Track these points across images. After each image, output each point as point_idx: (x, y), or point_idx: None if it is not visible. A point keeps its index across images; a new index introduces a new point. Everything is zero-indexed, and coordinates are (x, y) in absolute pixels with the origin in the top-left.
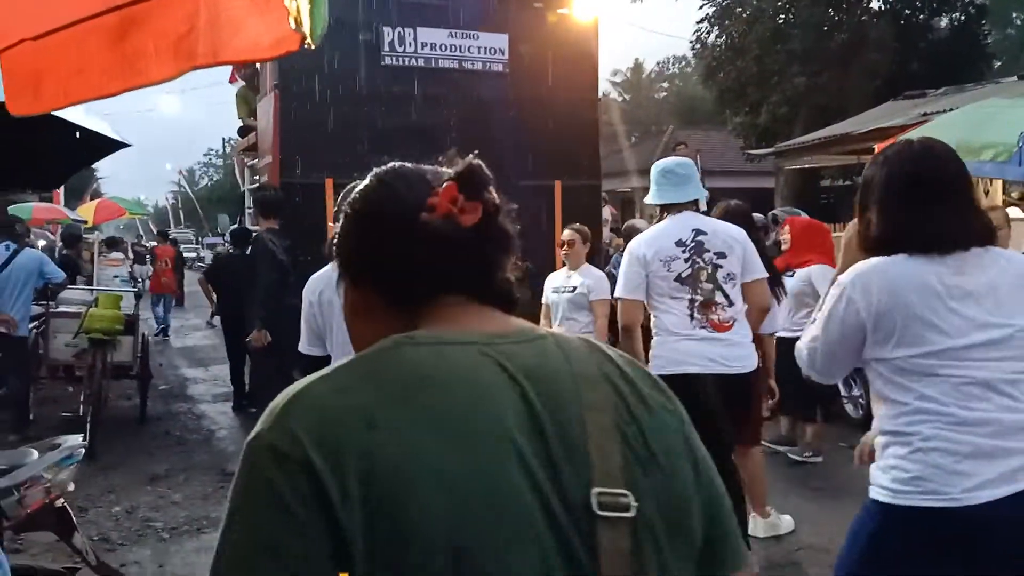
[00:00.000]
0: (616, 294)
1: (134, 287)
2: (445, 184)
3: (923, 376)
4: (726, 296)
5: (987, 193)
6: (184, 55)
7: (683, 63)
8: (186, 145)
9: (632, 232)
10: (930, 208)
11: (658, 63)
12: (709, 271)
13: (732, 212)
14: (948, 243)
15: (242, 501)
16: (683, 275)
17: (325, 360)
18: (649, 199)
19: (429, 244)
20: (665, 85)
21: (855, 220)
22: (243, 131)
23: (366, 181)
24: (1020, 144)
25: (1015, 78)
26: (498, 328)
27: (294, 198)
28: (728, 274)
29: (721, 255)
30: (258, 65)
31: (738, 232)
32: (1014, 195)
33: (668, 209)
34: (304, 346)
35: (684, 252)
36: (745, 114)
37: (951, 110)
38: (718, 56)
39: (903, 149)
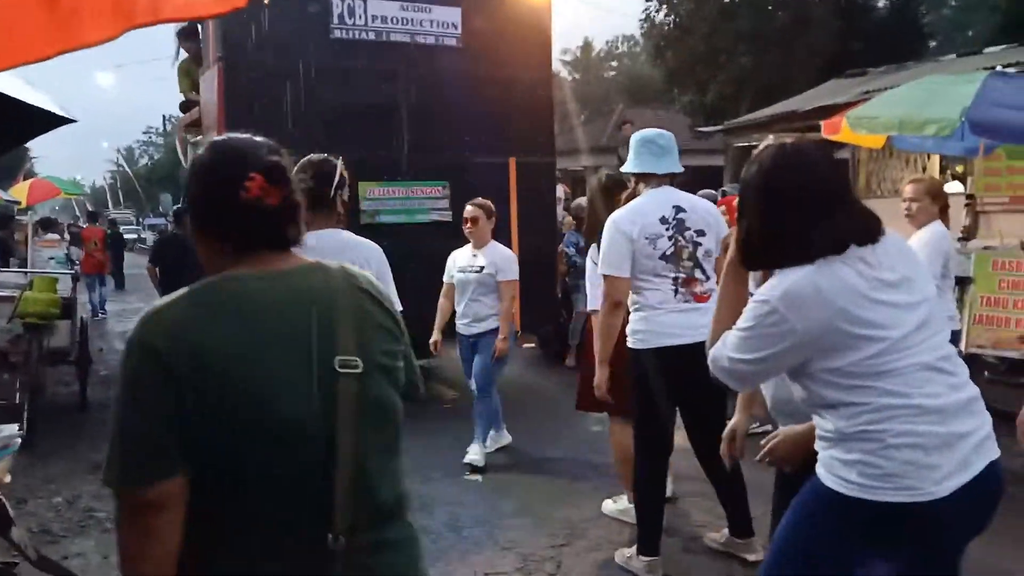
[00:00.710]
0: (602, 271)
1: (71, 269)
2: (256, 175)
3: (878, 374)
4: (704, 272)
5: (924, 168)
6: (123, 13)
7: (632, 42)
8: (124, 123)
9: (580, 211)
10: (829, 210)
11: (607, 42)
12: (690, 249)
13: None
14: (858, 240)
15: (121, 376)
16: (667, 253)
17: None
18: (627, 167)
19: (246, 214)
20: (614, 64)
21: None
22: (185, 106)
23: (202, 150)
24: (963, 120)
25: (953, 56)
26: (288, 266)
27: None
28: (707, 251)
29: (701, 232)
30: (201, 36)
31: (714, 209)
32: (958, 169)
33: (646, 180)
34: None
35: (668, 230)
36: (693, 92)
37: (891, 88)
38: (666, 35)
39: (779, 155)
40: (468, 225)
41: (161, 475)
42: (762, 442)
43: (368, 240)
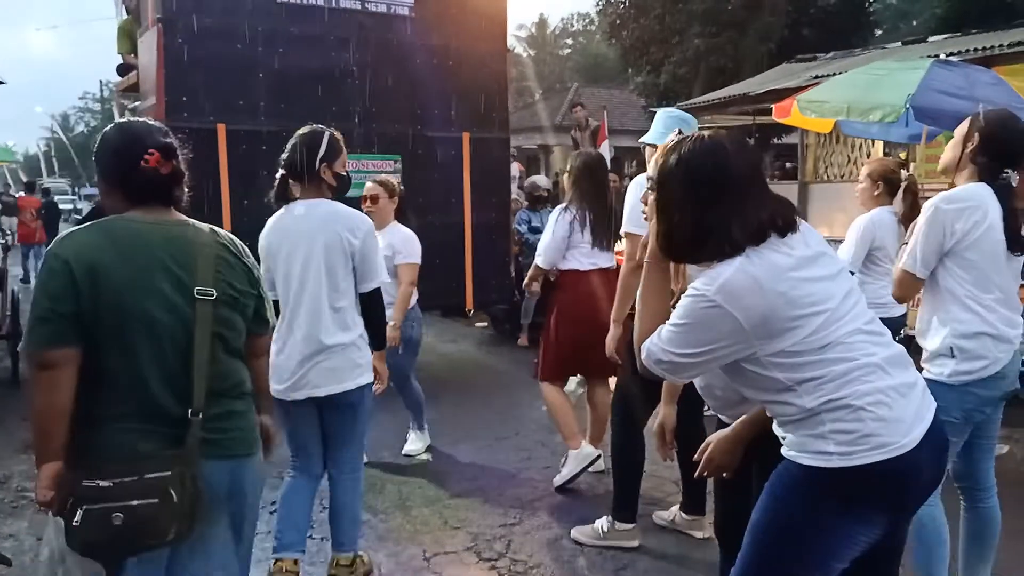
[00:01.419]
0: (626, 229)
1: (2, 240)
2: (154, 151)
3: (823, 347)
4: None
5: (869, 155)
6: None
7: (587, 20)
8: (60, 88)
9: (535, 189)
10: (749, 201)
11: (562, 19)
12: None
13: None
14: (780, 230)
15: (40, 273)
16: None
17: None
18: (653, 140)
19: (144, 178)
20: (569, 42)
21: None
22: (123, 69)
23: (111, 127)
24: (908, 106)
25: (899, 43)
26: (169, 218)
27: (182, 144)
28: None
29: None
30: None
31: None
32: (901, 156)
33: None
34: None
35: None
36: (647, 73)
37: (840, 73)
38: (622, 14)
39: (698, 147)
40: (367, 203)
41: (57, 342)
42: (695, 456)
43: (358, 211)
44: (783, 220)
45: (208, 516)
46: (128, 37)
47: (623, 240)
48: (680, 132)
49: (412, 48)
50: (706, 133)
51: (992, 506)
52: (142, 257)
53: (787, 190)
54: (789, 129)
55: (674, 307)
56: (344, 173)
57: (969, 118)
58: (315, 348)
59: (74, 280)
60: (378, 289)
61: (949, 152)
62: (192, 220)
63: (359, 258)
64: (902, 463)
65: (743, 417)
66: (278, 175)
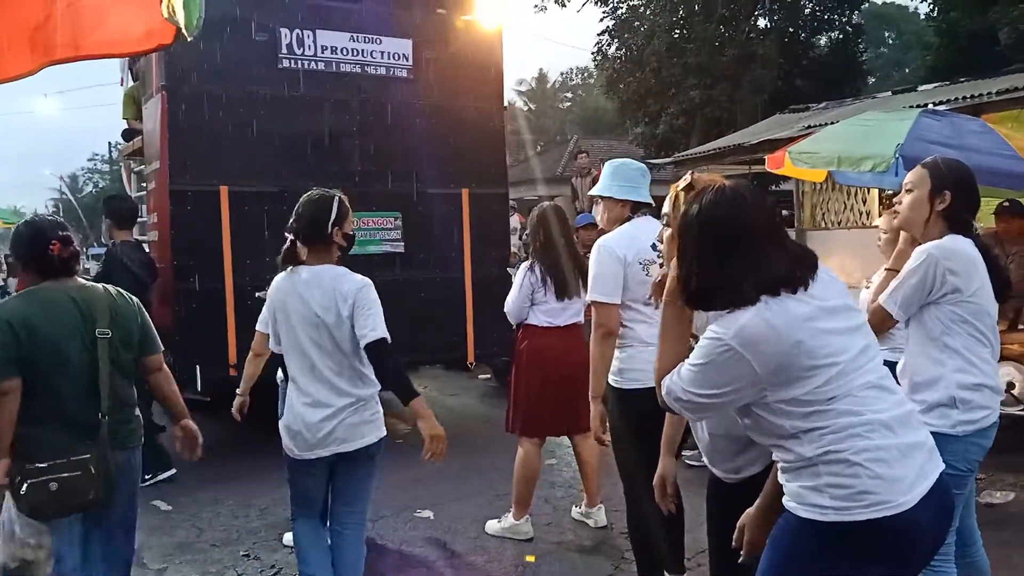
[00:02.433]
0: (592, 297)
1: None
2: (56, 241)
3: (832, 398)
4: None
5: (865, 201)
6: (41, 48)
7: (586, 74)
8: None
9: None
10: (768, 254)
11: (562, 73)
12: None
13: None
14: (805, 278)
15: None
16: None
17: (279, 357)
18: (612, 192)
19: (51, 262)
20: (569, 95)
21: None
22: (128, 134)
23: (22, 224)
24: (897, 156)
25: (889, 93)
26: (72, 284)
27: (185, 206)
28: None
29: None
30: (144, 62)
31: None
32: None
33: (630, 207)
34: (273, 345)
35: (660, 257)
36: (644, 124)
37: (833, 123)
38: (618, 68)
39: (720, 197)
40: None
41: (6, 376)
42: (733, 544)
43: (358, 275)
44: (799, 277)
45: (113, 485)
46: (134, 103)
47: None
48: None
49: (411, 108)
50: (728, 183)
51: (981, 558)
52: (58, 314)
53: None
54: (784, 177)
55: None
56: (352, 232)
57: (922, 172)
58: (328, 410)
59: (14, 332)
60: (382, 340)
61: (913, 211)
62: (89, 282)
63: (358, 316)
64: (900, 521)
65: (767, 488)
66: (288, 239)
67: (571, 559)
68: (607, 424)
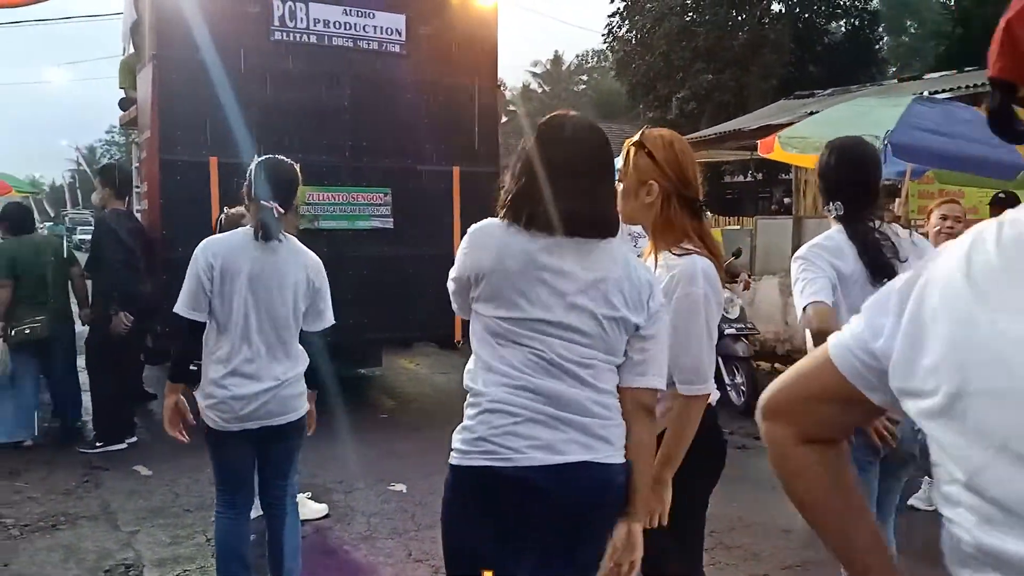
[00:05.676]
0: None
1: None
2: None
3: (508, 341)
4: None
5: None
6: None
7: (601, 56)
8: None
9: None
10: (554, 188)
11: (577, 56)
12: None
13: None
14: (556, 225)
15: None
16: None
17: (201, 327)
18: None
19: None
20: (584, 78)
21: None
22: (124, 103)
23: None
24: (885, 142)
25: (895, 81)
26: (38, 235)
27: (175, 176)
28: None
29: None
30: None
31: None
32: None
33: None
34: (183, 308)
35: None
36: (655, 108)
37: None
38: (629, 51)
39: (553, 125)
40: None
41: (3, 277)
42: None
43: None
44: (578, 220)
45: (55, 333)
46: (130, 72)
47: None
48: None
49: (403, 84)
50: (571, 117)
51: None
52: (36, 250)
53: (782, 225)
54: (786, 167)
55: None
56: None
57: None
58: (272, 382)
59: (13, 260)
60: (332, 326)
61: None
62: (48, 235)
63: (319, 297)
64: (512, 475)
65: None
66: (275, 213)
67: None
68: None
